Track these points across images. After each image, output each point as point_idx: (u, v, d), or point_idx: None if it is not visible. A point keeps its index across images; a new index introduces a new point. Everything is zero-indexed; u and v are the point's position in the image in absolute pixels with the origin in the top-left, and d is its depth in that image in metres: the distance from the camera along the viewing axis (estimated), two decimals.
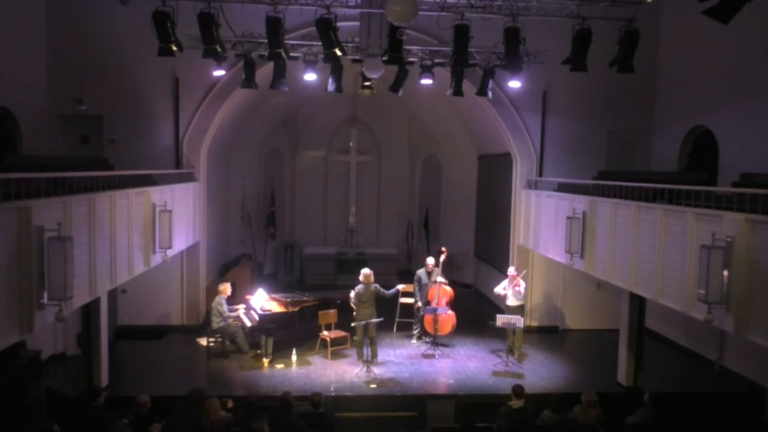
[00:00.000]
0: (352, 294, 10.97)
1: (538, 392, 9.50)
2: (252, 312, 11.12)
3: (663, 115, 13.30)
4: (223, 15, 9.48)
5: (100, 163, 10.99)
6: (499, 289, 11.45)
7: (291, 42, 11.09)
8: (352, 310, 11.19)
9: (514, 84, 11.74)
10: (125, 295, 12.33)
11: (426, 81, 11.57)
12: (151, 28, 8.87)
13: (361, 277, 10.94)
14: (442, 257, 12.16)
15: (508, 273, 11.48)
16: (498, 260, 14.38)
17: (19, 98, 10.92)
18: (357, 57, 11.28)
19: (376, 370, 10.44)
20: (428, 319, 11.70)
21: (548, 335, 13.11)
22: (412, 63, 11.47)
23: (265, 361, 10.79)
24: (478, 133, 15.85)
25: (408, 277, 13.74)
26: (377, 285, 10.96)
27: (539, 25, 10.07)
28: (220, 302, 11.12)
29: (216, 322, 11.07)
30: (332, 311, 11.55)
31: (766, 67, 10.19)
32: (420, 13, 8.33)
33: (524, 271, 11.98)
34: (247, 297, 11.83)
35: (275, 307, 11.28)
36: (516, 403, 7.79)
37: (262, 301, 11.37)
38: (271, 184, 17.47)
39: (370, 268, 11.12)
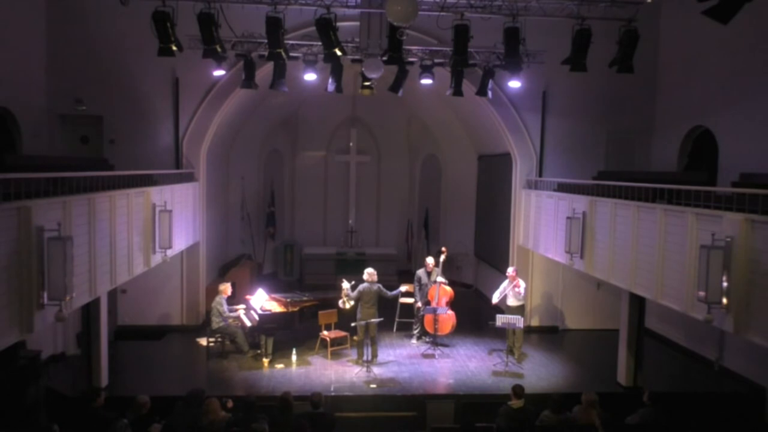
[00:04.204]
0: (346, 285, 10.91)
1: (538, 392, 9.50)
2: (252, 312, 11.12)
3: (663, 115, 13.30)
4: (223, 15, 9.48)
5: (100, 163, 11.00)
6: (495, 297, 11.42)
7: (291, 42, 11.10)
8: (338, 309, 11.19)
9: (514, 84, 11.73)
10: (125, 295, 12.33)
11: (426, 81, 11.57)
12: (151, 28, 8.88)
13: (365, 276, 10.92)
14: (442, 257, 12.16)
15: (508, 273, 11.48)
16: (498, 260, 14.38)
17: (19, 98, 10.93)
18: (357, 57, 11.29)
19: (376, 370, 10.44)
20: (428, 319, 11.70)
21: (548, 335, 13.11)
22: (411, 63, 11.47)
23: (265, 361, 10.79)
24: (477, 133, 15.85)
25: (408, 277, 13.76)
26: (380, 285, 10.95)
27: (539, 25, 10.08)
28: (220, 302, 11.11)
29: (216, 322, 11.07)
30: (332, 311, 11.55)
31: (765, 67, 10.19)
32: (420, 13, 8.33)
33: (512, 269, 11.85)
34: (247, 297, 11.83)
35: (275, 307, 11.28)
36: (516, 403, 7.79)
37: (262, 301, 11.37)
38: (271, 184, 17.48)
39: (370, 268, 11.12)
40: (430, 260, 12.18)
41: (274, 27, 9.27)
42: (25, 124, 11.05)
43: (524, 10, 9.45)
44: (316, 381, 10.05)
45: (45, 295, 6.28)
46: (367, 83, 12.04)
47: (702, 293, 6.77)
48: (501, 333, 11.45)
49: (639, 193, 8.93)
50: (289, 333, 11.59)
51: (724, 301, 6.65)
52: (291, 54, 10.65)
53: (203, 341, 11.65)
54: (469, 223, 17.02)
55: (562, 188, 11.84)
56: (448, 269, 14.24)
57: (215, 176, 14.27)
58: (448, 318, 11.67)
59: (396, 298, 11.71)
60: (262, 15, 9.33)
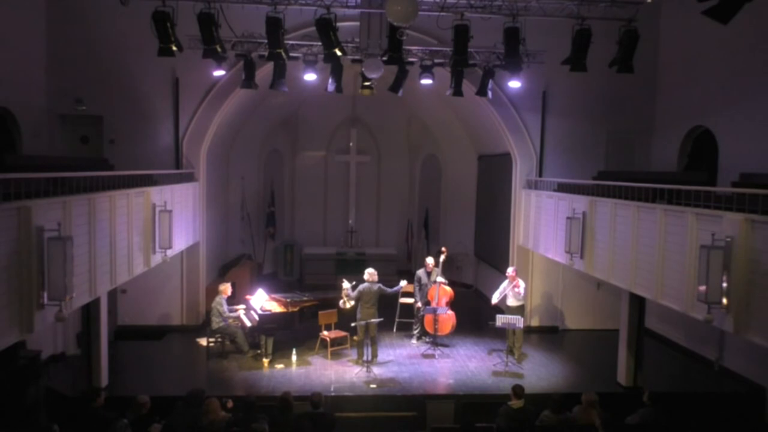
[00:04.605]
0: (346, 284, 10.92)
1: (538, 392, 9.50)
2: (252, 312, 11.12)
3: (663, 115, 13.30)
4: (223, 15, 9.48)
5: (100, 163, 11.00)
6: (495, 298, 11.42)
7: (291, 42, 11.10)
8: (339, 308, 11.19)
9: (514, 84, 11.73)
10: (125, 295, 12.33)
11: (426, 81, 11.57)
12: (151, 28, 8.88)
13: (366, 276, 10.91)
14: (442, 257, 12.16)
15: (507, 273, 11.48)
16: (498, 260, 14.38)
17: (19, 98, 10.93)
18: (357, 57, 11.29)
19: (376, 370, 10.44)
20: (428, 319, 11.70)
21: (548, 335, 13.11)
22: (411, 63, 11.47)
23: (265, 361, 10.79)
24: (477, 133, 15.85)
25: (408, 277, 13.75)
26: (381, 285, 10.94)
27: (539, 25, 10.08)
28: (220, 302, 11.11)
29: (216, 322, 11.07)
30: (332, 311, 11.55)
31: (765, 67, 10.19)
32: (420, 13, 8.33)
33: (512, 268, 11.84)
34: (247, 297, 11.83)
35: (275, 307, 11.28)
36: (516, 403, 7.79)
37: (262, 301, 11.37)
38: (271, 184, 17.48)
39: (371, 269, 11.12)
40: (430, 260, 12.18)
41: (274, 27, 9.27)
42: (25, 124, 11.05)
43: (524, 10, 9.45)
44: (316, 381, 10.05)
45: (45, 295, 6.28)
46: (367, 83, 12.04)
47: (702, 287, 6.76)
48: (501, 333, 11.45)
49: (639, 193, 8.92)
50: (289, 333, 11.59)
51: (724, 301, 6.65)
52: (291, 54, 10.65)
53: (203, 341, 11.65)
54: (469, 223, 17.02)
55: (562, 188, 11.84)
56: (448, 269, 14.24)
57: (215, 176, 14.26)
58: (448, 318, 11.67)
59: (397, 294, 11.73)
60: (262, 15, 9.33)
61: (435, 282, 11.80)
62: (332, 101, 15.81)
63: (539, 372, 10.79)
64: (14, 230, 6.00)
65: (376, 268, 11.18)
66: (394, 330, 12.78)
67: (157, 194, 10.09)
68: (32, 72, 11.56)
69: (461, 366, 10.97)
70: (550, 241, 11.63)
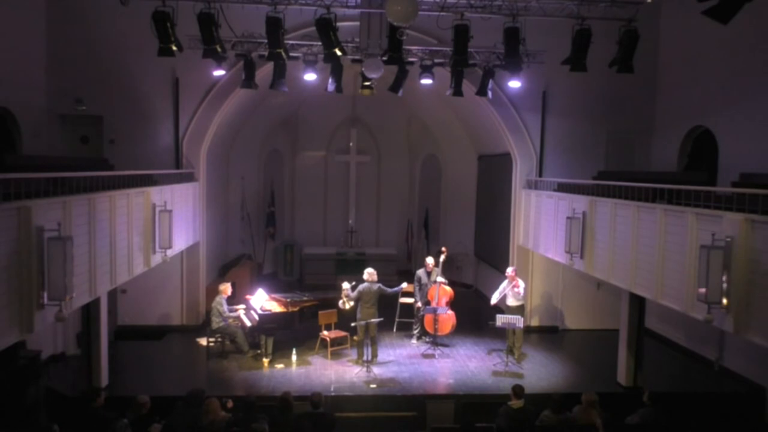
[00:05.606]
0: (346, 285, 10.91)
1: (538, 392, 9.50)
2: (252, 312, 11.12)
3: (663, 115, 13.30)
4: (223, 15, 9.49)
5: (100, 163, 11.00)
6: (494, 298, 11.41)
7: (291, 42, 11.10)
8: (338, 309, 11.18)
9: (514, 84, 11.74)
10: (125, 295, 12.33)
11: (426, 81, 11.58)
12: (151, 28, 8.88)
13: (365, 276, 10.91)
14: (442, 257, 12.16)
15: (507, 273, 11.48)
16: (498, 260, 14.38)
17: (19, 98, 10.93)
18: (357, 57, 11.30)
19: (376, 370, 10.44)
20: (428, 319, 11.70)
21: (548, 335, 13.11)
22: (411, 63, 11.48)
23: (265, 361, 10.79)
24: (477, 133, 15.85)
25: (408, 277, 13.77)
26: (381, 284, 10.94)
27: (539, 25, 10.08)
28: (220, 302, 11.11)
29: (216, 322, 11.07)
30: (332, 311, 11.54)
31: (765, 67, 10.19)
32: (420, 13, 8.33)
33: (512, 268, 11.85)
34: (247, 297, 11.83)
35: (275, 307, 11.28)
36: (516, 403, 7.79)
37: (262, 301, 11.37)
38: (271, 184, 17.48)
39: (370, 268, 11.11)
40: (430, 260, 12.17)
41: (274, 27, 9.27)
42: (25, 124, 11.05)
43: (524, 10, 9.45)
44: (316, 381, 10.06)
45: (45, 295, 6.28)
46: (367, 83, 12.04)
47: (702, 290, 6.77)
48: (501, 333, 11.45)
49: (639, 193, 8.93)
50: (289, 333, 11.60)
51: (724, 301, 6.65)
52: (291, 54, 10.65)
53: (203, 341, 11.65)
54: (469, 223, 17.02)
55: (562, 188, 11.84)
56: (448, 269, 14.25)
57: (215, 176, 14.26)
58: (448, 318, 11.67)
59: (397, 295, 11.73)
60: (262, 15, 9.33)
61: (435, 282, 11.80)
62: (332, 101, 15.81)
63: (539, 372, 10.79)
64: (14, 230, 6.01)
65: (376, 268, 11.17)
66: (394, 330, 12.78)
67: (157, 194, 10.09)
68: (32, 72, 11.56)
69: (461, 366, 10.97)
70: (550, 241, 11.63)
